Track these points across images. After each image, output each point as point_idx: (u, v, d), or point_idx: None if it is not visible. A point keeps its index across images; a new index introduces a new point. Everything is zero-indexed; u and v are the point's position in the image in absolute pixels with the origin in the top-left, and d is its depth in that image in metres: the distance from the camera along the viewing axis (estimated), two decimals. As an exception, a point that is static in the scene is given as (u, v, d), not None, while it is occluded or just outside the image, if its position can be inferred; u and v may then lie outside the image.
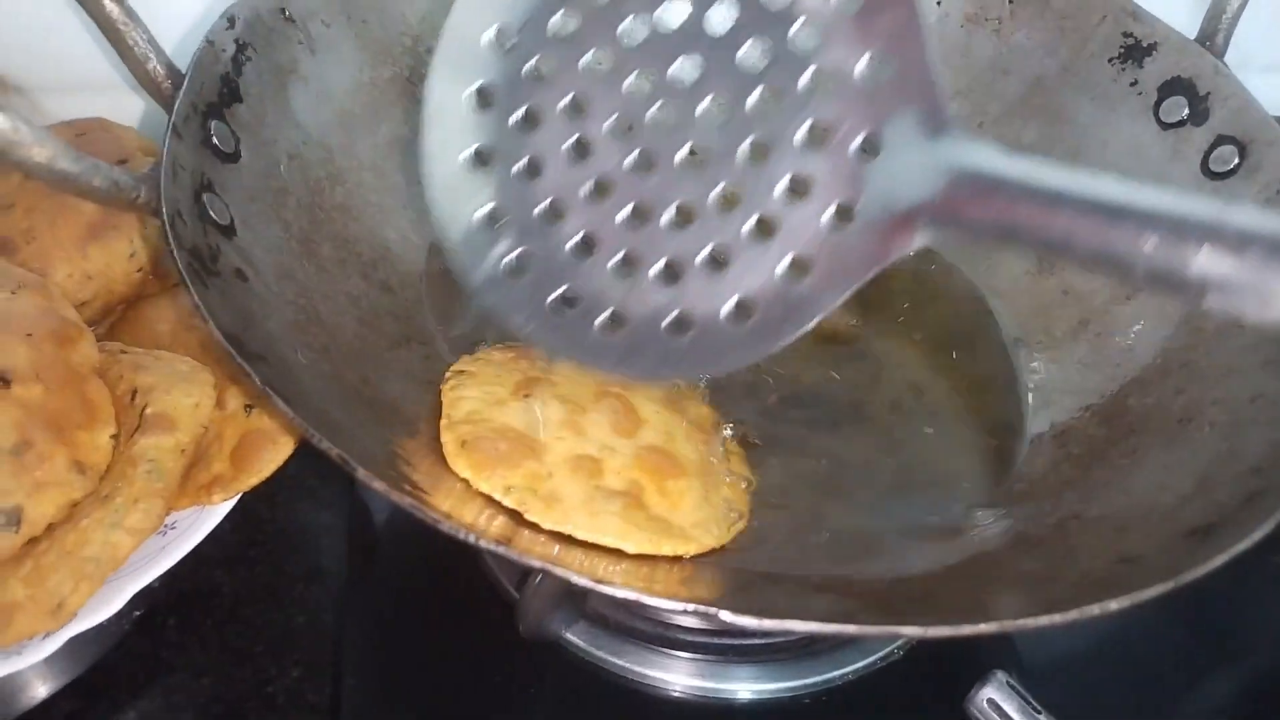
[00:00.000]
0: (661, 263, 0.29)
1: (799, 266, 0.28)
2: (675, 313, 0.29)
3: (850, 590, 0.34)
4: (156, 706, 0.44)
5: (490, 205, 0.31)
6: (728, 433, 0.41)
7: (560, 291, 0.30)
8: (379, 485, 0.26)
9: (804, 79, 0.27)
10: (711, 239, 0.29)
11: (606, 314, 0.29)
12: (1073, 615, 0.25)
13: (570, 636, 0.42)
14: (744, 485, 0.39)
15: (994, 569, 0.34)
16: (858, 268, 0.27)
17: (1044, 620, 0.25)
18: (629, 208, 0.29)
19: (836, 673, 0.42)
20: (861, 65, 0.27)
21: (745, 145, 0.28)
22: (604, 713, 0.43)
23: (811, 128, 0.27)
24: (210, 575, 0.48)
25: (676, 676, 0.43)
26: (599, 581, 0.25)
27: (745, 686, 0.43)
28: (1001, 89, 0.50)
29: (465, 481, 0.34)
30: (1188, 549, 0.29)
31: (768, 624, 0.25)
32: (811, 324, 0.27)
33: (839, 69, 0.27)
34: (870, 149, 0.27)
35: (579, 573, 0.25)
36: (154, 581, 0.40)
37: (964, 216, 0.26)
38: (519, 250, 0.31)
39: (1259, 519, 0.29)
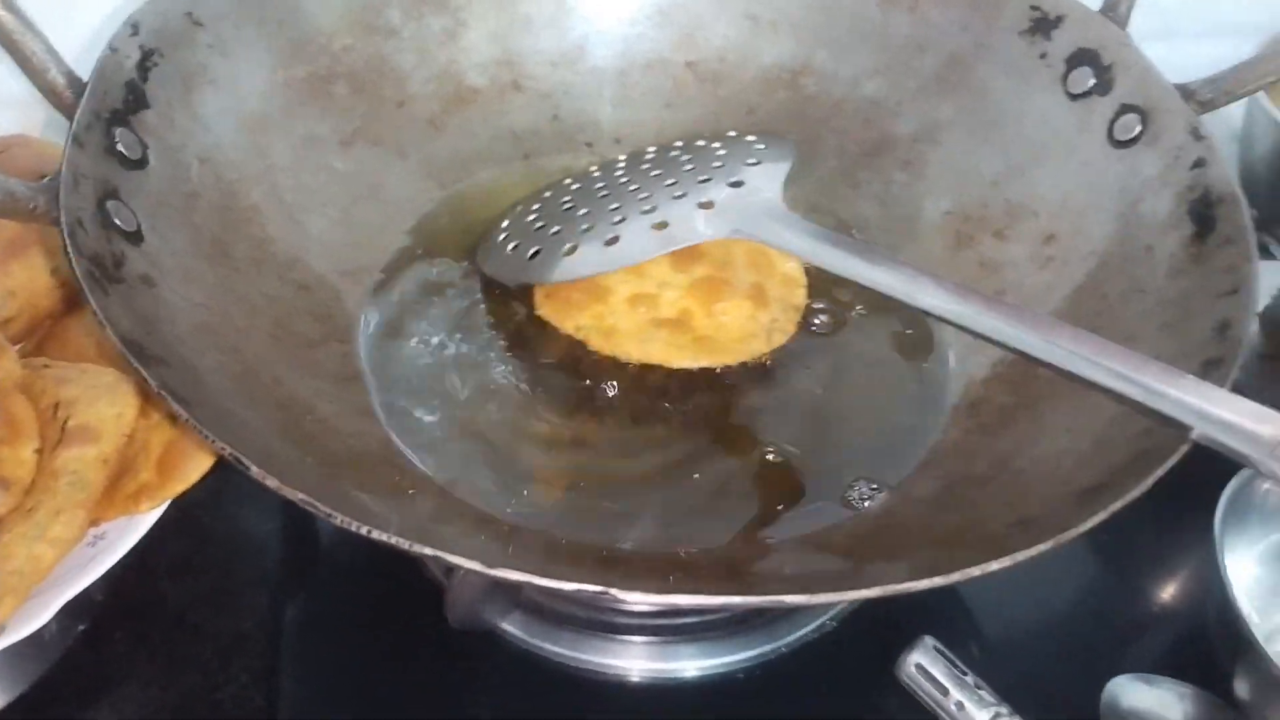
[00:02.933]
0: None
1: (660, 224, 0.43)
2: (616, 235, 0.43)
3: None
4: (105, 718, 0.44)
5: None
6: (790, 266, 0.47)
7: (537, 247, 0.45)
8: (271, 482, 0.26)
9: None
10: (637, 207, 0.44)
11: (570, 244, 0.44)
12: (955, 577, 0.26)
13: (506, 626, 0.43)
14: (795, 309, 0.45)
15: (903, 536, 0.35)
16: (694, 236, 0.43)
17: (924, 583, 0.26)
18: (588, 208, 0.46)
19: (771, 645, 0.43)
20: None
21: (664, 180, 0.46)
22: (547, 701, 0.43)
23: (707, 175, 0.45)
24: (156, 585, 0.47)
25: (618, 660, 0.43)
26: (489, 566, 0.25)
27: (690, 664, 0.43)
28: (918, 66, 0.50)
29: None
30: (1078, 508, 0.29)
31: (657, 599, 0.25)
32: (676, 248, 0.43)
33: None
34: (735, 184, 0.44)
35: (468, 558, 0.25)
36: (97, 593, 0.40)
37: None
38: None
39: (1140, 478, 0.29)
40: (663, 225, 0.43)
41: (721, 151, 0.46)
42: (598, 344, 0.43)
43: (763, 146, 0.46)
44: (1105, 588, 0.47)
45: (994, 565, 0.26)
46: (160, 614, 0.47)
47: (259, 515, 0.51)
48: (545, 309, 0.45)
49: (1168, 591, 0.48)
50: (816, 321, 0.46)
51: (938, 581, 0.26)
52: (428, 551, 0.25)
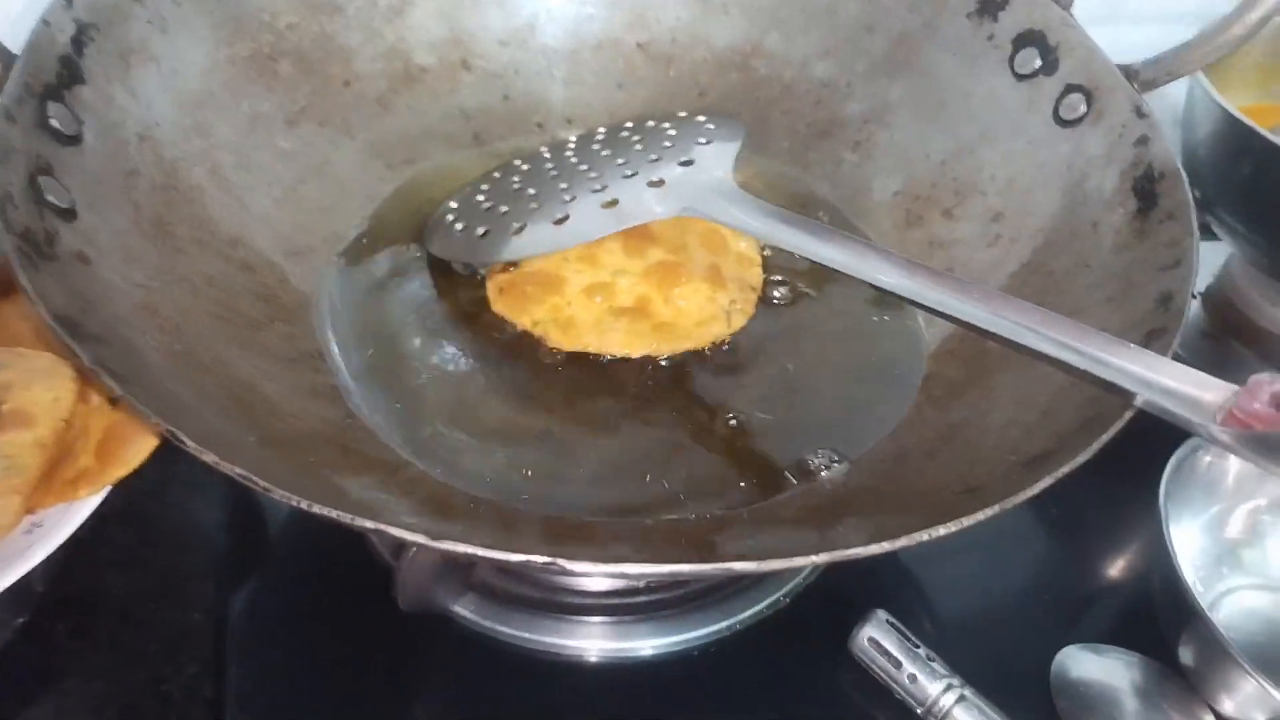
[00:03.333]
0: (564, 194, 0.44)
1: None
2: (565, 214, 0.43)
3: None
4: (47, 713, 0.43)
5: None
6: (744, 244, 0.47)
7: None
8: (209, 457, 0.26)
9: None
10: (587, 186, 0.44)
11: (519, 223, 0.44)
12: (902, 543, 0.26)
13: (459, 609, 0.42)
14: (752, 289, 0.45)
15: (851, 506, 0.35)
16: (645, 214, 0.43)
17: (873, 548, 0.26)
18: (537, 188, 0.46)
19: (725, 623, 0.43)
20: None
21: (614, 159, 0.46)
22: (502, 683, 0.42)
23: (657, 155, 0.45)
24: (101, 576, 0.46)
25: (572, 640, 0.43)
26: (434, 539, 0.25)
27: (645, 643, 0.43)
28: (868, 46, 0.51)
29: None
30: (1025, 476, 0.30)
31: (605, 569, 0.25)
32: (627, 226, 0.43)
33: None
34: (686, 163, 0.44)
35: (411, 531, 0.25)
36: (37, 585, 0.38)
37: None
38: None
39: (1085, 444, 0.30)
40: (613, 203, 0.42)
41: (672, 132, 0.46)
42: (556, 338, 0.43)
43: (713, 126, 0.46)
44: (1054, 561, 0.48)
45: (940, 530, 0.26)
46: (104, 605, 0.45)
47: (205, 504, 0.50)
48: (500, 304, 0.44)
49: (1115, 563, 0.48)
50: (776, 295, 0.46)
51: (885, 547, 0.26)
52: (368, 525, 0.25)
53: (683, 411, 0.41)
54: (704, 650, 0.42)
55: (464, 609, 0.42)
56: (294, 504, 0.25)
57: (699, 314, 0.44)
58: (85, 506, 0.41)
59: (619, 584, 0.42)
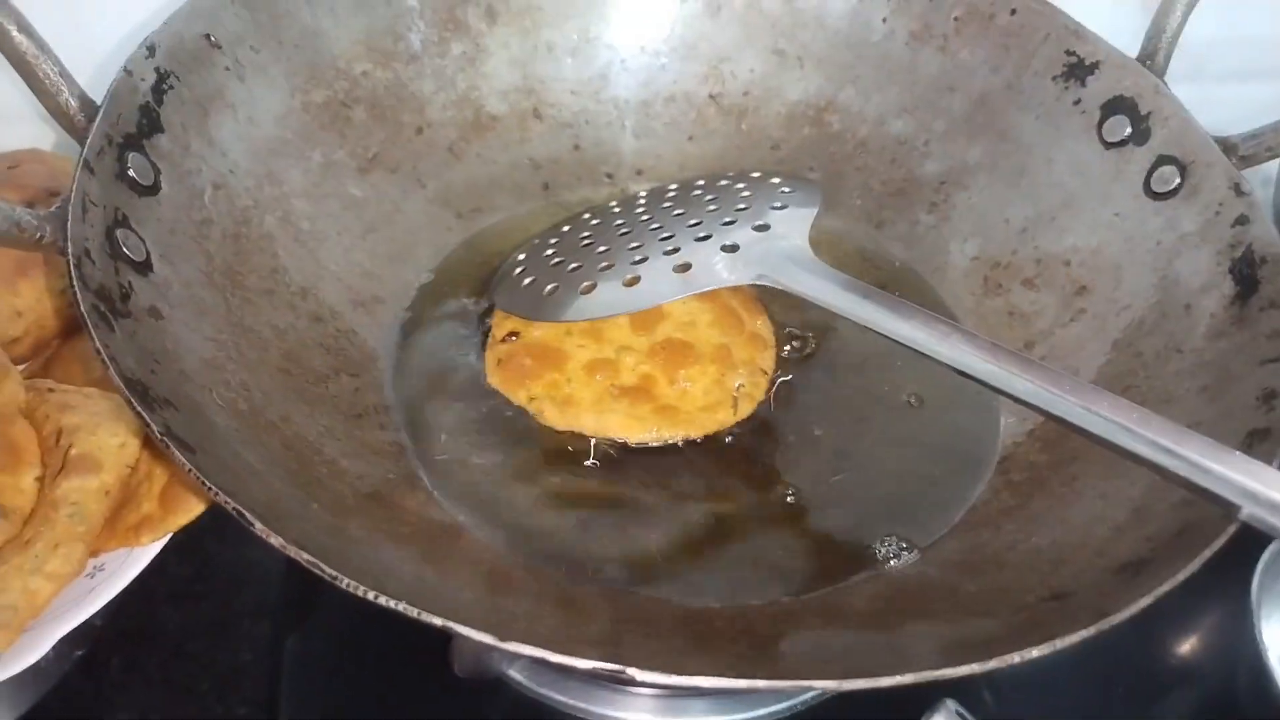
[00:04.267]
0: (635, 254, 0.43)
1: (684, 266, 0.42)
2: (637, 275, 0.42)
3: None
4: (101, 747, 0.43)
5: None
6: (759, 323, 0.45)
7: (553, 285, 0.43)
8: (276, 541, 0.25)
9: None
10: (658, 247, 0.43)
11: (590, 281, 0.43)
12: (993, 664, 0.25)
13: (513, 673, 0.41)
14: (763, 373, 0.43)
15: (929, 603, 0.34)
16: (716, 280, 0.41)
17: (963, 670, 0.24)
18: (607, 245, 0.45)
19: (786, 704, 0.42)
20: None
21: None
22: (551, 749, 0.42)
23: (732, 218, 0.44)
24: (156, 612, 0.47)
25: (625, 712, 0.42)
26: (502, 640, 0.24)
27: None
28: (946, 106, 0.49)
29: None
30: (1117, 585, 0.28)
31: (676, 680, 0.24)
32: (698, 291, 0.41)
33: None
34: (761, 228, 0.42)
35: (480, 630, 0.24)
36: (95, 619, 0.39)
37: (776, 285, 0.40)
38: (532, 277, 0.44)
39: (1186, 558, 0.28)
40: (685, 267, 0.41)
41: (746, 193, 0.45)
42: (552, 416, 0.41)
43: (789, 190, 0.45)
44: (1130, 648, 0.46)
45: (1034, 652, 0.25)
46: (159, 641, 0.46)
47: (262, 543, 0.50)
48: (495, 378, 0.42)
49: (1194, 649, 0.46)
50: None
51: (974, 668, 0.24)
52: (436, 621, 0.24)
53: (738, 485, 0.40)
54: (764, 730, 0.41)
55: (518, 674, 0.41)
56: (360, 594, 0.25)
57: (704, 398, 0.42)
58: (147, 552, 0.41)
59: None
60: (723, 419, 0.41)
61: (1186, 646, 0.47)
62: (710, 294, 0.43)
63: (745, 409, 0.42)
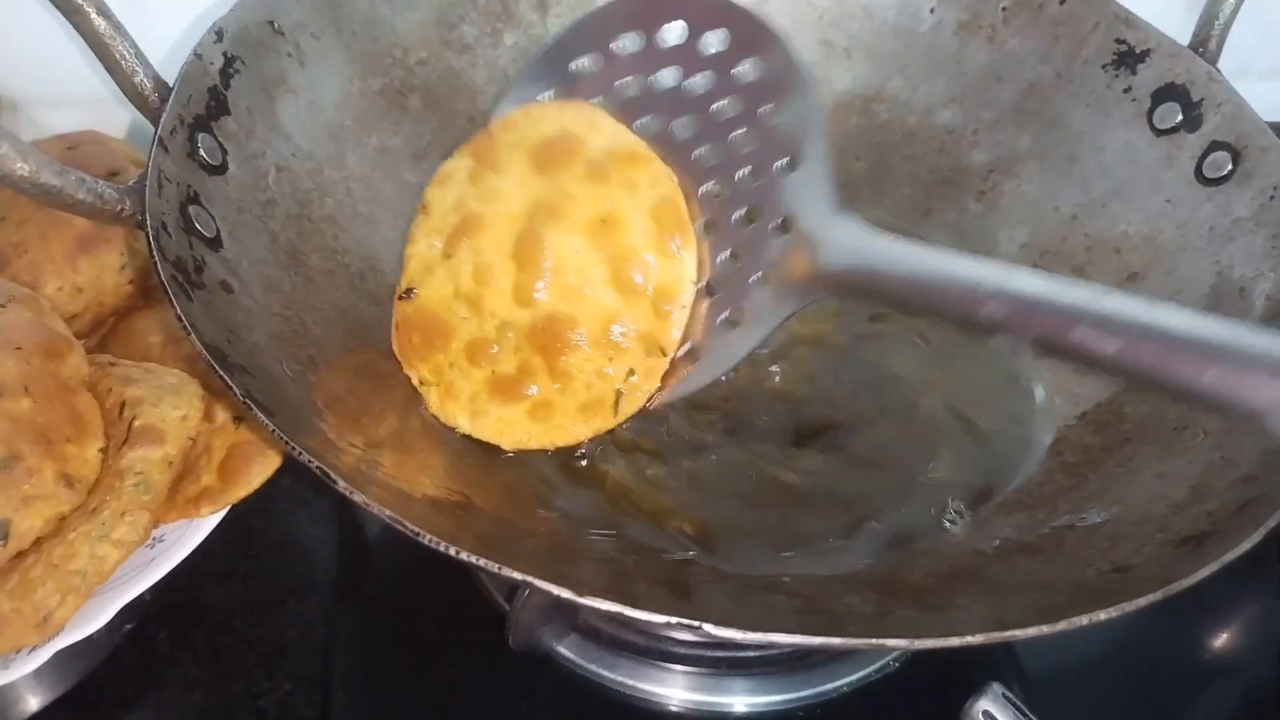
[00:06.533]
0: None
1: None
2: None
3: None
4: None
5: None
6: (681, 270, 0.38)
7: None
8: (359, 498, 0.26)
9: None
10: None
11: None
12: (1061, 625, 0.25)
13: (562, 650, 0.42)
14: (660, 350, 0.37)
15: (986, 578, 0.34)
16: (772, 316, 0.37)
17: (1031, 631, 0.25)
18: None
19: (832, 684, 0.42)
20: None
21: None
22: (598, 726, 0.42)
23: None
24: (203, 588, 0.47)
25: (671, 690, 0.42)
26: (582, 595, 0.24)
27: (740, 699, 0.42)
28: (995, 96, 0.49)
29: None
30: (1179, 558, 0.28)
31: (752, 637, 0.24)
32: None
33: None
34: (785, 228, 0.37)
35: (559, 584, 0.24)
36: (145, 594, 0.39)
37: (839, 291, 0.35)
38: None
39: (1250, 528, 0.28)
40: (733, 325, 0.38)
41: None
42: (435, 405, 0.38)
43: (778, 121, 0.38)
44: (1175, 639, 0.46)
45: (1102, 615, 0.25)
46: (206, 618, 0.47)
47: (310, 521, 0.51)
48: (395, 343, 0.39)
49: (1231, 643, 0.46)
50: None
51: (1044, 630, 0.25)
52: (516, 575, 0.25)
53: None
54: (808, 712, 0.41)
55: (567, 650, 0.42)
56: (442, 550, 0.25)
57: (584, 394, 0.37)
58: (206, 524, 0.42)
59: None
60: (599, 424, 0.37)
61: (1223, 640, 0.46)
62: (608, 230, 0.37)
63: (629, 408, 0.37)
